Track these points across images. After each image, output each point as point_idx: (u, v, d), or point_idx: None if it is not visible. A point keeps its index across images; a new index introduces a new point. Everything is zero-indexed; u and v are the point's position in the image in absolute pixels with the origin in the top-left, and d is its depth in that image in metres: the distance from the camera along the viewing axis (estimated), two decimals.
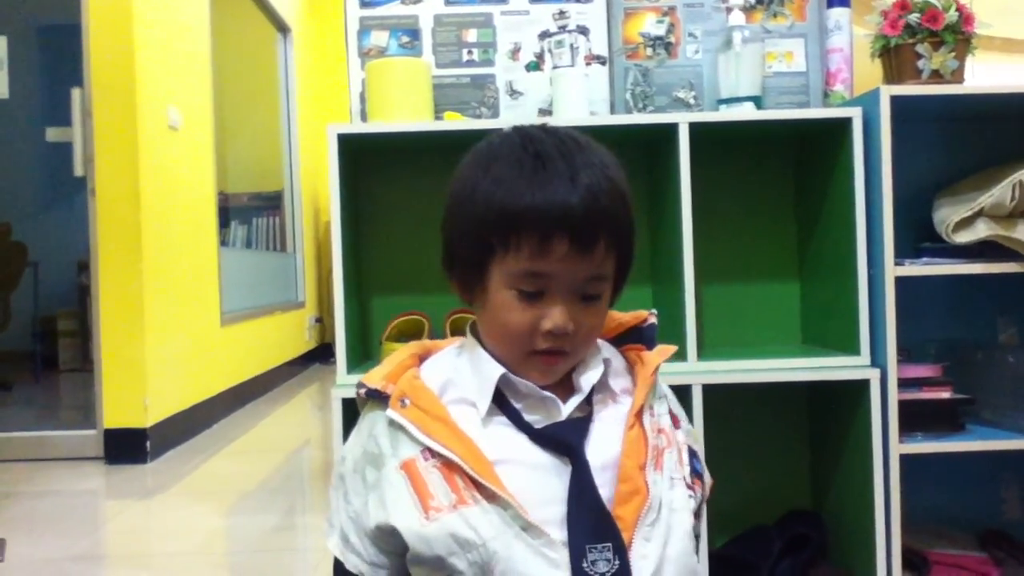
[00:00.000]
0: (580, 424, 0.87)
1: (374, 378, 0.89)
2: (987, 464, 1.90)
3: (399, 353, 0.94)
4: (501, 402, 0.87)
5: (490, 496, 0.81)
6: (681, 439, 0.94)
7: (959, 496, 1.93)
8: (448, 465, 0.83)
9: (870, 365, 1.65)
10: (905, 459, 1.62)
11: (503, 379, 0.87)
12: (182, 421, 3.73)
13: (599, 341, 0.95)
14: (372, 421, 0.89)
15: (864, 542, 1.66)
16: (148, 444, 3.38)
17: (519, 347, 0.86)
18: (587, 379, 0.89)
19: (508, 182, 0.83)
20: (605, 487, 0.84)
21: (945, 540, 1.81)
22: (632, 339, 0.98)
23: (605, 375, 0.90)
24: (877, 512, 1.62)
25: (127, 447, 3.36)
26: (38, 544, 2.43)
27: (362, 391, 0.90)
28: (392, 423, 0.86)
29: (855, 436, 1.70)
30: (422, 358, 0.94)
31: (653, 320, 0.99)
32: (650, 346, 0.97)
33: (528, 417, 0.87)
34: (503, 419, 0.87)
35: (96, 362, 3.43)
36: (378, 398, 0.88)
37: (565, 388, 0.90)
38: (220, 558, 2.37)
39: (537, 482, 0.84)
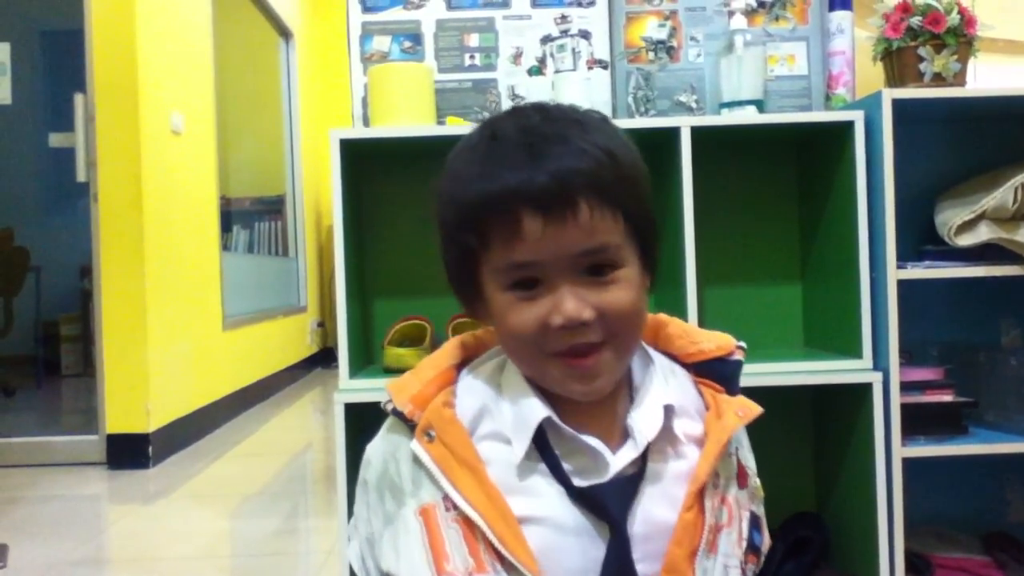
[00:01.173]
0: (628, 484, 0.75)
1: (402, 395, 0.79)
2: (990, 467, 1.90)
3: (438, 359, 0.83)
4: (541, 443, 0.76)
5: (512, 567, 0.72)
6: (745, 502, 0.82)
7: (962, 499, 1.93)
8: (469, 523, 0.73)
9: (872, 368, 1.65)
10: (908, 462, 1.62)
11: (548, 422, 0.76)
12: (184, 426, 3.73)
13: (673, 366, 0.83)
14: (396, 443, 0.80)
15: (867, 545, 1.66)
16: (150, 449, 3.38)
17: (535, 354, 0.74)
18: (642, 427, 0.76)
19: (464, 174, 0.75)
20: (647, 562, 0.74)
21: (948, 543, 1.81)
22: (711, 372, 0.83)
23: (668, 421, 0.78)
24: (880, 515, 1.62)
25: (129, 452, 3.36)
26: (41, 549, 2.43)
27: (388, 406, 0.80)
28: (416, 458, 0.77)
29: (858, 439, 1.70)
30: (465, 361, 0.84)
31: (740, 357, 0.84)
32: (730, 387, 0.82)
33: (568, 466, 0.75)
34: (541, 466, 0.75)
35: (98, 367, 3.44)
36: (403, 420, 0.79)
37: (613, 433, 0.78)
38: (223, 561, 2.37)
39: (568, 549, 0.73)
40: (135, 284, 3.41)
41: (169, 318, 3.64)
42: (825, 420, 1.90)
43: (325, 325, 6.59)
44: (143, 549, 2.47)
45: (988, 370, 1.77)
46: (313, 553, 2.40)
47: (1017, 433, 1.68)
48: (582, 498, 0.74)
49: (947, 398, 1.68)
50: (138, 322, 3.41)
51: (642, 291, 0.76)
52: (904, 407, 1.62)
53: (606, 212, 0.72)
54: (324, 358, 6.45)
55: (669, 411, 0.78)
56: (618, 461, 0.75)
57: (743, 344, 0.84)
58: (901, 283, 1.62)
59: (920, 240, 1.80)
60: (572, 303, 0.71)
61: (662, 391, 0.79)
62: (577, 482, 0.75)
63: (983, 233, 1.65)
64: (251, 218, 5.76)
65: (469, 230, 0.74)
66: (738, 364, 0.84)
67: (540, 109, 0.77)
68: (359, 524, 0.83)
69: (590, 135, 0.73)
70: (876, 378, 1.62)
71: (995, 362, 1.76)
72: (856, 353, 1.67)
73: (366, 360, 1.91)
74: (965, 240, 1.67)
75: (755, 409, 0.81)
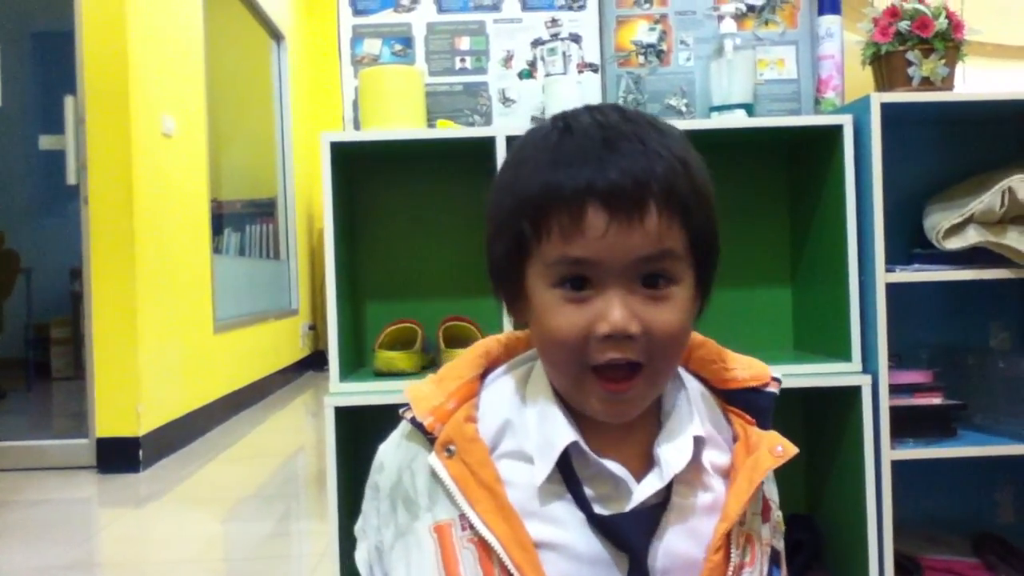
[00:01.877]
0: (650, 515, 0.73)
1: (422, 406, 0.76)
2: (979, 469, 1.90)
3: (461, 368, 0.79)
4: (564, 465, 0.73)
5: None
6: (766, 537, 0.80)
7: (952, 501, 1.94)
8: (485, 545, 0.71)
9: (862, 371, 1.66)
10: (898, 464, 1.62)
11: (573, 446, 0.73)
12: (175, 429, 3.72)
13: (702, 390, 0.80)
14: (413, 453, 0.77)
15: (857, 547, 1.67)
16: (141, 453, 3.37)
17: (571, 364, 0.70)
18: (670, 459, 0.73)
19: (531, 160, 0.71)
20: None
21: (938, 545, 1.82)
22: (742, 401, 0.80)
23: (696, 452, 0.74)
24: (869, 517, 1.63)
25: (120, 456, 3.35)
26: (31, 553, 2.42)
27: (407, 415, 0.77)
28: (434, 472, 0.74)
29: (847, 442, 1.71)
30: (489, 369, 0.80)
31: (775, 389, 0.80)
32: (762, 421, 0.79)
33: (590, 492, 0.73)
34: (562, 490, 0.73)
35: (89, 370, 3.43)
36: (422, 431, 0.75)
37: (639, 458, 0.75)
38: (215, 565, 2.36)
39: None
40: (126, 287, 3.40)
41: (160, 321, 3.64)
42: (816, 423, 1.91)
43: (317, 328, 6.58)
44: (134, 553, 2.47)
45: (977, 373, 1.78)
46: (305, 556, 2.40)
47: (1006, 435, 1.68)
48: (602, 527, 0.71)
49: (936, 401, 1.69)
50: (129, 325, 3.40)
51: (691, 315, 0.73)
52: (893, 409, 1.63)
53: (673, 221, 0.69)
54: (316, 361, 6.44)
55: (699, 443, 0.75)
56: (641, 491, 0.72)
57: (779, 376, 0.81)
58: (890, 286, 1.63)
59: (910, 244, 1.81)
60: (620, 312, 0.67)
61: (693, 420, 0.76)
62: (598, 510, 0.72)
63: (971, 236, 1.66)
64: (243, 221, 5.75)
65: (526, 218, 0.69)
66: (772, 398, 0.80)
67: (618, 109, 0.74)
68: (368, 530, 0.80)
69: (667, 140, 0.71)
70: (865, 381, 1.63)
71: (984, 365, 1.77)
72: (845, 356, 1.68)
73: (357, 363, 1.91)
74: (953, 243, 1.68)
75: (791, 449, 0.77)
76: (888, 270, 1.63)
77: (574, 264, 0.68)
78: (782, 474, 2.01)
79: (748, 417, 0.79)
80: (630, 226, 0.67)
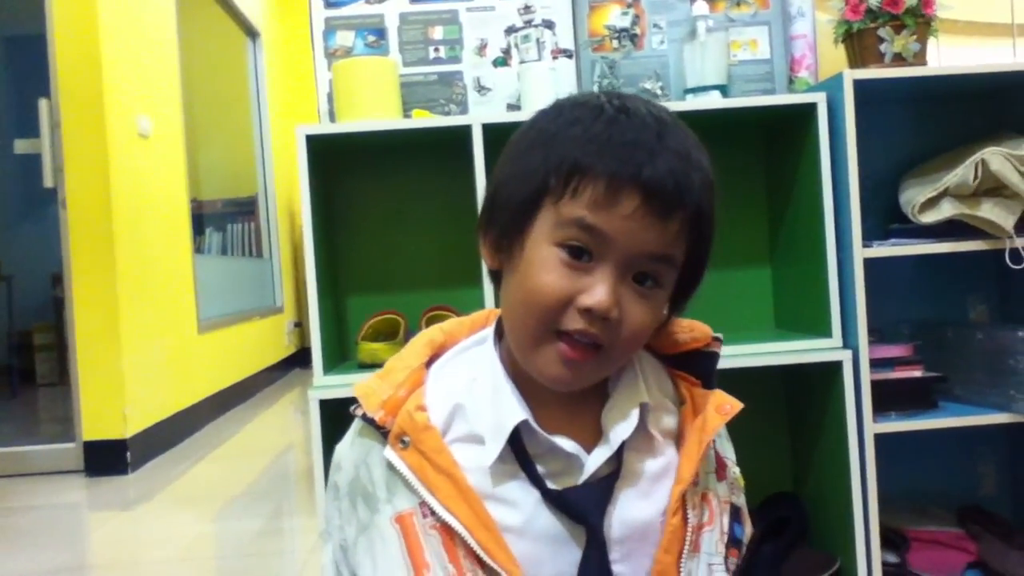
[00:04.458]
0: (603, 486, 0.75)
1: (372, 401, 0.76)
2: (961, 440, 1.92)
3: (407, 358, 0.80)
4: (515, 444, 0.74)
5: (494, 573, 0.71)
6: (724, 494, 0.80)
7: (935, 473, 1.95)
8: (448, 530, 0.72)
9: (842, 347, 1.67)
10: (880, 438, 1.64)
11: (523, 424, 0.74)
12: (162, 430, 3.71)
13: (648, 357, 0.82)
14: (367, 448, 0.77)
15: (843, 522, 1.68)
16: (129, 455, 3.36)
17: (543, 322, 0.70)
18: (617, 429, 0.75)
19: (585, 122, 0.71)
20: (624, 563, 0.74)
21: (923, 517, 1.83)
22: (684, 364, 0.82)
23: (643, 419, 0.77)
24: (854, 492, 1.64)
25: (107, 459, 3.34)
26: (19, 558, 2.41)
27: (358, 412, 0.77)
28: (390, 463, 0.75)
29: (830, 417, 1.72)
30: (434, 357, 0.81)
31: (717, 349, 0.83)
32: (707, 381, 0.81)
33: (543, 468, 0.74)
34: (516, 470, 0.74)
35: (73, 375, 3.41)
36: (374, 426, 0.76)
37: (589, 432, 0.76)
38: (206, 563, 2.36)
39: (545, 555, 0.73)
40: (107, 290, 3.39)
41: (143, 323, 3.62)
42: (798, 400, 1.92)
43: (302, 325, 6.56)
44: (124, 554, 2.46)
45: (956, 345, 1.79)
46: (297, 551, 2.40)
47: (986, 406, 1.70)
48: (557, 502, 0.73)
49: (916, 374, 1.71)
50: (112, 328, 3.38)
51: (659, 318, 0.76)
52: (874, 384, 1.64)
53: (684, 234, 0.72)
54: (302, 358, 6.43)
55: (644, 409, 0.77)
56: (591, 462, 0.74)
57: (719, 336, 0.83)
58: (868, 262, 1.64)
59: (887, 219, 1.82)
60: (608, 294, 0.69)
61: (638, 387, 0.78)
62: (551, 485, 0.74)
63: (946, 210, 1.67)
64: (224, 220, 5.72)
65: (559, 173, 0.70)
66: (715, 357, 0.82)
67: (670, 114, 0.76)
68: (331, 530, 0.81)
69: (703, 157, 0.75)
70: (846, 356, 1.64)
71: (963, 337, 1.79)
72: (826, 332, 1.69)
73: (341, 356, 1.91)
74: (929, 217, 1.69)
75: (736, 405, 0.79)
76: (865, 246, 1.64)
77: (586, 230, 0.69)
78: (766, 453, 2.02)
79: (692, 379, 0.81)
80: (654, 222, 0.69)
